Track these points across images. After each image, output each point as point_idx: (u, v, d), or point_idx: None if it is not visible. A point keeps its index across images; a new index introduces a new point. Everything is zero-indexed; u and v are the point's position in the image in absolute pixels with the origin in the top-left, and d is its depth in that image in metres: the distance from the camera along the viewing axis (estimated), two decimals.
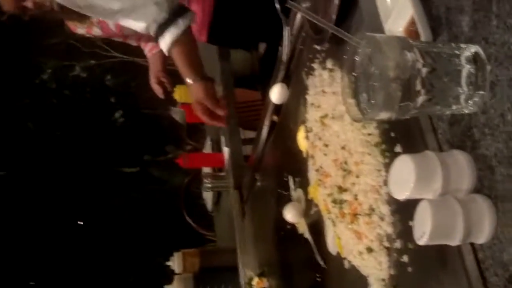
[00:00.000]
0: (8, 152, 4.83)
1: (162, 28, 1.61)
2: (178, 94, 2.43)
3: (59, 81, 4.69)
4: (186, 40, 1.66)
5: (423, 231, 0.68)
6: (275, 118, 1.66)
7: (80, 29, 2.12)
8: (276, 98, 1.48)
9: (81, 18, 1.99)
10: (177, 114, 2.31)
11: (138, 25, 1.64)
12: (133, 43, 2.19)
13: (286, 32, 1.42)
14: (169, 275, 2.70)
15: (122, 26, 2.00)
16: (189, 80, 1.69)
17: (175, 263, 2.43)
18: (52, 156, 4.87)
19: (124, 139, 4.81)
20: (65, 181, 4.89)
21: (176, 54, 1.66)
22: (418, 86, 0.66)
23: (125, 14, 1.61)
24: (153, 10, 1.59)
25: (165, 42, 1.62)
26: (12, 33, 3.85)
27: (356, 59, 0.68)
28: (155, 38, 1.65)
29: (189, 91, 1.74)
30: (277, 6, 1.41)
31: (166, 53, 1.67)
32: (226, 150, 2.33)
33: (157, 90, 2.06)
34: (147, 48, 2.14)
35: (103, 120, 4.29)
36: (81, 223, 5.01)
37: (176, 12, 1.62)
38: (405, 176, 0.70)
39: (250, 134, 2.34)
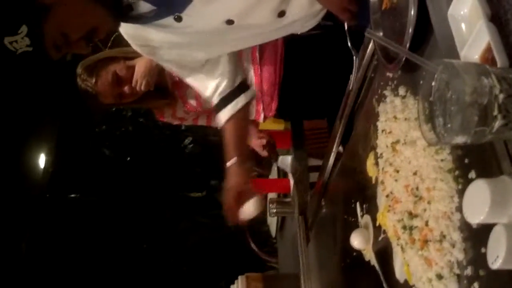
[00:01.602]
0: (83, 176, 5.05)
1: (225, 101, 1.67)
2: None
3: (134, 109, 4.90)
4: (242, 116, 1.70)
5: (498, 255, 0.68)
6: (340, 149, 1.68)
7: (167, 118, 2.37)
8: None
9: (169, 103, 2.17)
10: (285, 163, 2.35)
11: (205, 85, 1.69)
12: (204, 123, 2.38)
13: (356, 63, 1.46)
14: None
15: (202, 102, 2.20)
16: (232, 161, 1.64)
17: (238, 286, 2.45)
18: (124, 180, 5.05)
19: (192, 165, 4.93)
20: (134, 205, 5.04)
21: (229, 129, 1.68)
22: (495, 111, 0.67)
23: (208, 69, 1.67)
24: (223, 78, 1.66)
25: (225, 114, 1.67)
26: None
27: (433, 84, 0.70)
28: (215, 109, 1.70)
29: (228, 173, 1.65)
30: (349, 43, 1.47)
31: (222, 125, 1.69)
32: (291, 176, 2.36)
33: (259, 144, 2.22)
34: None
35: (174, 146, 4.43)
36: (145, 246, 5.12)
37: (241, 87, 1.69)
38: (480, 200, 0.71)
39: (315, 162, 2.36)
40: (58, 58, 1.26)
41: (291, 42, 2.07)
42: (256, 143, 2.21)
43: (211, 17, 1.44)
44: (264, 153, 2.21)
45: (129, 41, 1.57)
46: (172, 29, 1.45)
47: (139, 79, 2.12)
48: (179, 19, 1.42)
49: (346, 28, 1.50)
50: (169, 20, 1.42)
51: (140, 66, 2.12)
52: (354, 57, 1.46)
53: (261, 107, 2.22)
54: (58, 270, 4.86)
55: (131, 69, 2.15)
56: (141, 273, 4.94)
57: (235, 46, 1.65)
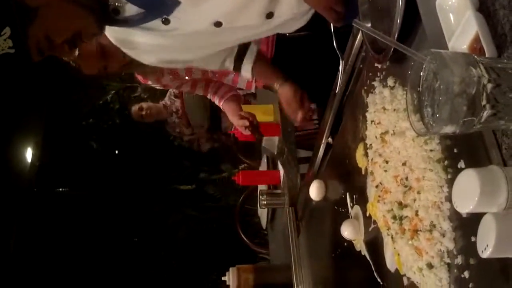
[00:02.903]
0: (71, 169, 5.03)
1: (239, 59, 1.73)
2: None
3: (122, 101, 4.88)
4: (261, 58, 1.78)
5: (487, 243, 0.68)
6: (330, 140, 1.69)
7: (150, 81, 2.35)
8: (314, 195, 1.64)
9: (154, 69, 2.15)
10: (269, 144, 2.36)
11: (211, 66, 1.74)
12: (200, 92, 2.37)
13: (341, 65, 1.47)
14: None
15: (192, 71, 2.16)
16: (276, 86, 1.81)
17: (230, 278, 2.46)
18: (113, 173, 5.03)
19: (181, 158, 4.92)
20: (124, 198, 5.03)
21: (258, 74, 1.79)
22: (483, 101, 0.67)
23: (198, 63, 1.72)
24: (226, 50, 1.69)
25: (247, 69, 1.75)
26: None
27: (422, 74, 0.70)
28: (235, 71, 1.77)
29: (279, 96, 1.83)
30: (335, 45, 1.47)
31: (251, 78, 1.81)
32: (281, 168, 2.36)
33: (242, 124, 2.16)
34: (217, 100, 2.32)
35: (162, 139, 4.41)
36: (136, 239, 5.11)
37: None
38: (469, 190, 0.71)
39: (305, 154, 2.36)
40: (39, 60, 1.25)
41: (279, 43, 2.07)
42: (239, 123, 2.21)
43: (199, 19, 1.43)
44: (247, 132, 2.21)
45: (117, 45, 1.56)
46: (160, 32, 1.43)
47: None
48: (166, 21, 1.40)
49: (332, 29, 1.50)
50: (157, 23, 1.41)
51: None
52: (341, 59, 1.47)
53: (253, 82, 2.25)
54: (46, 264, 4.84)
55: None
56: (132, 266, 4.94)
57: (223, 46, 1.65)
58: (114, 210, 5.01)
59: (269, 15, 1.48)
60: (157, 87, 2.48)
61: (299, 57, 2.08)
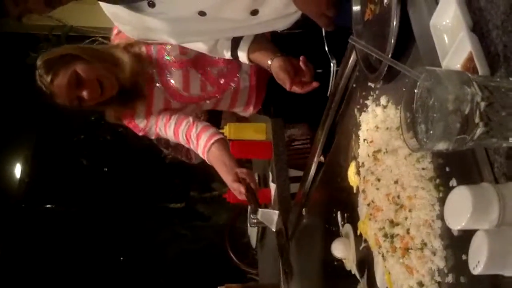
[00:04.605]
0: (60, 186, 4.99)
1: (234, 45, 1.72)
2: (228, 131, 2.48)
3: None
4: (257, 39, 1.75)
5: (479, 260, 0.68)
6: (322, 159, 1.69)
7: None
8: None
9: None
10: (265, 217, 2.05)
11: (204, 48, 1.74)
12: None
13: (333, 67, 1.47)
14: None
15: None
16: (269, 62, 1.73)
17: None
18: (103, 191, 5.00)
19: (172, 176, 4.90)
20: (112, 216, 4.99)
21: (255, 55, 1.75)
22: (477, 119, 0.68)
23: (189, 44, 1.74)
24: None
25: (243, 51, 1.72)
26: None
27: (416, 91, 0.71)
28: (231, 53, 1.74)
29: (273, 71, 1.75)
30: (326, 48, 1.48)
31: (246, 61, 1.75)
32: (273, 186, 2.35)
33: (237, 189, 1.94)
34: (200, 149, 2.00)
35: (153, 156, 4.40)
36: (122, 258, 5.07)
37: None
38: (461, 207, 0.71)
39: (296, 173, 2.36)
40: (17, 15, 1.24)
41: (272, 39, 2.09)
42: (233, 186, 1.93)
43: (184, 6, 1.46)
44: (242, 197, 1.96)
45: (112, 19, 1.60)
46: (146, 14, 1.47)
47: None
48: (152, 4, 1.44)
49: (323, 33, 1.51)
50: (143, 4, 1.44)
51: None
52: (331, 63, 1.47)
53: (253, 100, 2.16)
54: (32, 281, 4.78)
55: (95, 70, 1.91)
56: (119, 285, 4.88)
57: (210, 37, 1.66)
58: (102, 228, 4.96)
59: (254, 12, 1.50)
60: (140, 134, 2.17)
61: (291, 55, 2.09)
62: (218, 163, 1.96)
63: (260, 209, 1.96)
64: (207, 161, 2.01)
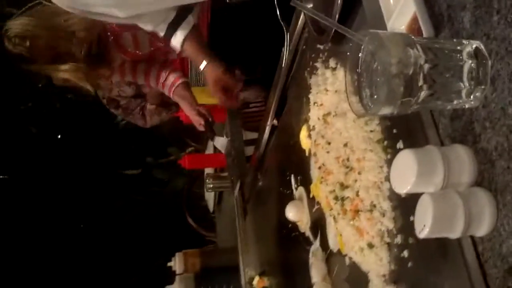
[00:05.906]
0: (10, 156, 4.84)
1: (173, 26, 1.67)
2: None
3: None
4: (195, 32, 1.72)
5: (424, 224, 0.69)
6: (275, 122, 1.68)
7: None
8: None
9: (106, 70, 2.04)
10: (220, 143, 2.32)
11: (145, 27, 1.68)
12: (141, 79, 2.20)
13: (287, 38, 1.45)
14: (171, 276, 2.71)
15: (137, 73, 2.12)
16: (204, 63, 1.72)
17: (176, 263, 2.44)
18: (54, 159, 4.88)
19: (127, 142, 4.82)
20: (67, 184, 4.90)
21: (188, 47, 1.72)
22: (420, 82, 0.67)
23: (130, 20, 1.65)
24: (161, 12, 1.63)
25: (178, 39, 1.68)
26: None
27: (360, 55, 0.69)
28: (165, 37, 1.70)
29: (206, 74, 1.77)
30: (278, 13, 1.45)
31: (179, 49, 1.72)
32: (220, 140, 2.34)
33: (198, 121, 2.10)
34: (167, 88, 2.16)
35: (106, 123, 4.30)
36: (82, 226, 5.01)
37: (185, 8, 1.67)
38: (407, 171, 0.71)
39: (251, 135, 2.35)
40: None
41: (225, 10, 2.03)
42: (195, 118, 2.17)
43: None
44: (201, 128, 2.18)
45: (58, 3, 1.53)
46: None
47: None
48: None
49: (275, 1, 1.47)
50: None
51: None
52: (285, 31, 1.45)
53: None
54: None
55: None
56: (78, 253, 4.84)
57: (157, 7, 1.61)
58: (58, 197, 4.87)
59: None
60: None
61: (240, 27, 2.03)
62: (183, 100, 2.13)
63: (216, 136, 2.20)
64: (171, 97, 2.17)
